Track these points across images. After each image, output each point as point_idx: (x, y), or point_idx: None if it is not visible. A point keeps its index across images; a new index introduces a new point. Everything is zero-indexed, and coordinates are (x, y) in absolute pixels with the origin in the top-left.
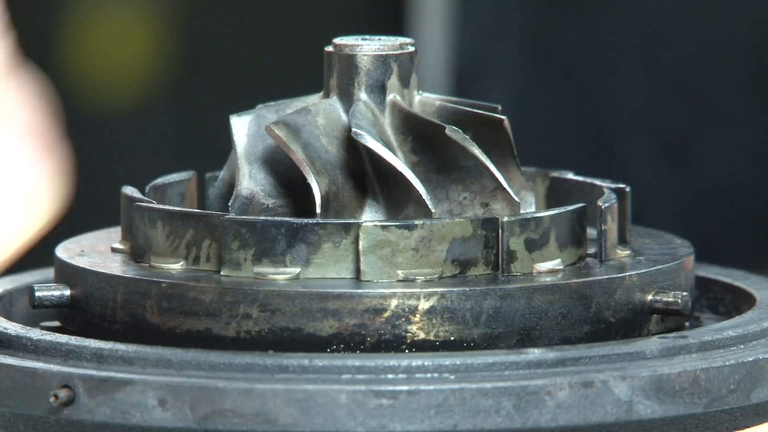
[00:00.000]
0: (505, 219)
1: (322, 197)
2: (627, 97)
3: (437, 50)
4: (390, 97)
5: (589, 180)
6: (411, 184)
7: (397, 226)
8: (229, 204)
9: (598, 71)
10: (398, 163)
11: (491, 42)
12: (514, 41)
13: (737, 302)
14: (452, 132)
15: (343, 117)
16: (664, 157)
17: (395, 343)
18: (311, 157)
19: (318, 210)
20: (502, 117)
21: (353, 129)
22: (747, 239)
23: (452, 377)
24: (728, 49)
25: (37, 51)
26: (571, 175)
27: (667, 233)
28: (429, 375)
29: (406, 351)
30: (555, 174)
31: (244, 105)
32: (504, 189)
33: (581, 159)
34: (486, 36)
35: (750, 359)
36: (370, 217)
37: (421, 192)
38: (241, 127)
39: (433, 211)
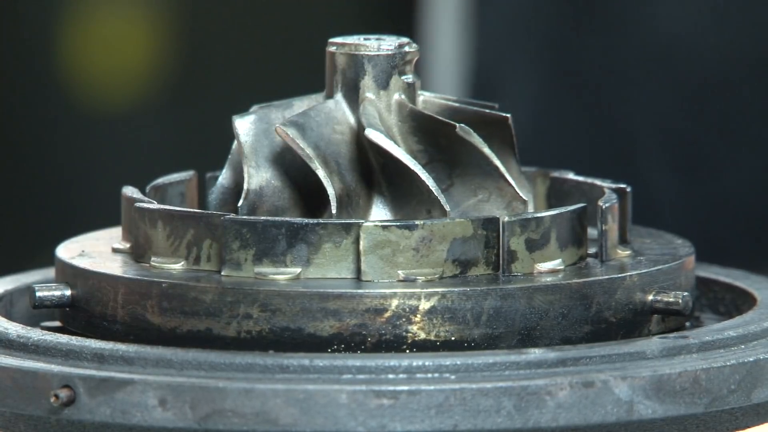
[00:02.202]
0: (506, 219)
1: (336, 197)
2: (644, 109)
3: (450, 58)
4: (396, 96)
5: (589, 180)
6: (425, 183)
7: (397, 226)
8: (239, 204)
9: (616, 84)
10: (413, 162)
11: (507, 53)
12: (530, 52)
13: (738, 302)
14: (463, 131)
15: (349, 116)
16: (680, 168)
17: (396, 343)
18: (322, 157)
19: (334, 210)
20: (507, 115)
21: (366, 128)
22: (760, 251)
23: (453, 377)
24: (743, 62)
25: (37, 51)
26: (571, 175)
27: (668, 233)
28: (429, 375)
29: (407, 351)
30: (555, 174)
31: (244, 105)
32: (512, 188)
33: (596, 167)
34: (502, 47)
35: (750, 359)
36: (377, 214)
37: (434, 191)
38: (245, 127)
39: (447, 209)
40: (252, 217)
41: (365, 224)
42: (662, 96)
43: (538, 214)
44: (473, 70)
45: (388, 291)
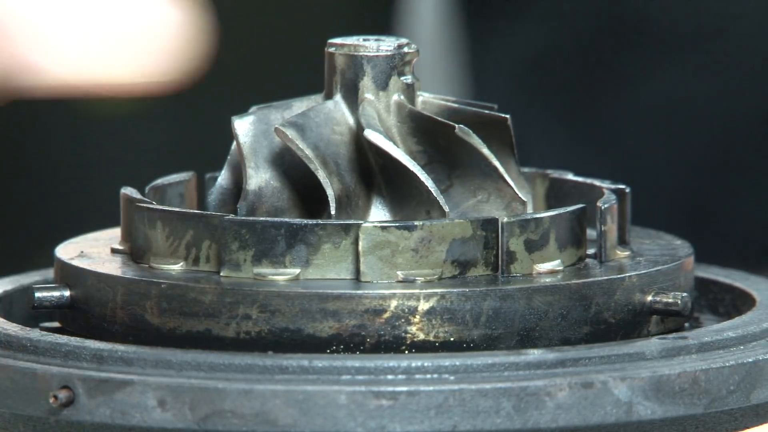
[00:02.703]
0: (505, 220)
1: (336, 198)
2: (652, 165)
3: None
4: (395, 97)
5: (588, 181)
6: (424, 184)
7: (396, 226)
8: (238, 205)
9: (627, 143)
10: (412, 163)
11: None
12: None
13: (737, 303)
14: (462, 132)
15: (348, 117)
16: (692, 225)
17: (395, 344)
18: (322, 158)
19: (333, 211)
20: (506, 116)
21: (365, 129)
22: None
23: (452, 378)
24: (758, 121)
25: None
26: (570, 176)
27: (667, 234)
28: (429, 376)
29: (406, 352)
30: (554, 174)
31: (244, 105)
32: (512, 189)
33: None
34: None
35: (750, 360)
36: (376, 215)
37: (434, 192)
38: (244, 128)
39: (446, 210)
40: (251, 218)
41: (364, 225)
42: (675, 155)
43: (537, 215)
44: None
45: (387, 292)
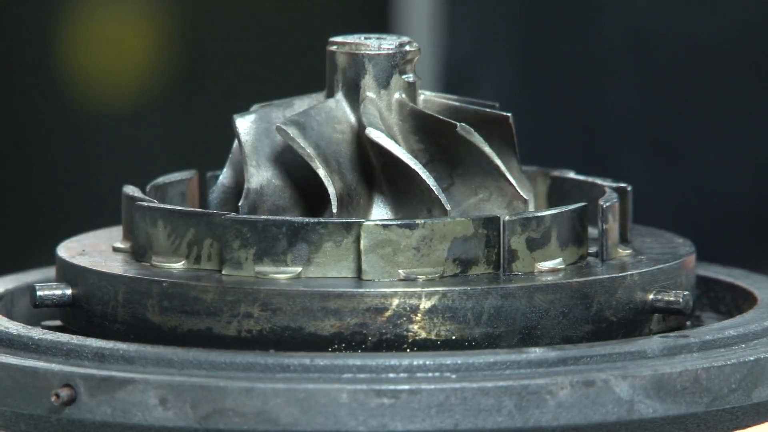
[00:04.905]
0: (507, 218)
1: (337, 196)
2: (619, 99)
3: (425, 53)
4: (396, 95)
5: (590, 179)
6: (425, 182)
7: (398, 225)
8: (239, 203)
9: (590, 74)
10: (413, 161)
11: (482, 46)
12: (504, 45)
13: (738, 301)
14: (464, 130)
15: (350, 115)
16: (658, 159)
17: (396, 342)
18: (323, 156)
19: (334, 210)
20: (507, 114)
21: (366, 127)
22: (743, 241)
23: (453, 376)
24: (719, 50)
25: (37, 51)
26: (572, 175)
27: (668, 232)
28: (430, 374)
29: (408, 350)
30: (556, 173)
31: (244, 105)
32: (513, 187)
33: (573, 161)
34: (476, 40)
35: (751, 358)
36: (377, 214)
37: (435, 190)
38: (246, 126)
39: (448, 209)
40: (252, 216)
41: (366, 223)
42: (636, 85)
43: (539, 213)
44: (447, 65)
45: (388, 290)
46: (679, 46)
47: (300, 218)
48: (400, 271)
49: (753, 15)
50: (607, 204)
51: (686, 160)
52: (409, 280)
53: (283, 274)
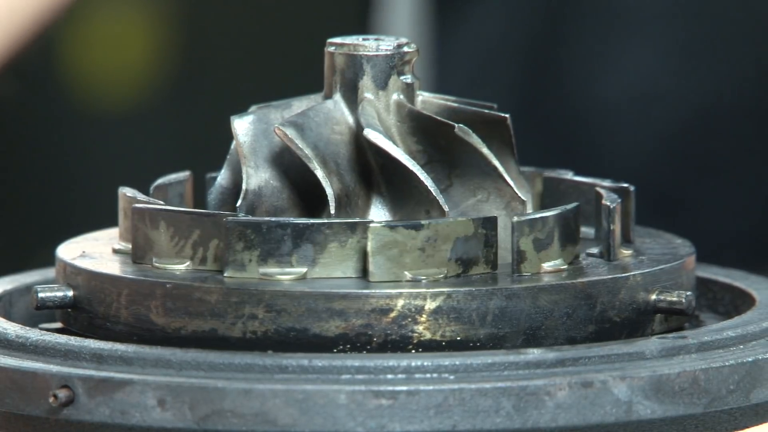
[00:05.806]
0: (515, 219)
1: (335, 197)
2: (619, 155)
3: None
4: (394, 96)
5: (588, 180)
6: (423, 183)
7: (404, 226)
8: (237, 204)
9: (590, 130)
10: (412, 162)
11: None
12: (500, 103)
13: (737, 302)
14: (462, 131)
15: (348, 117)
16: (657, 215)
17: (401, 343)
18: (321, 157)
19: (332, 210)
20: (506, 115)
21: (365, 128)
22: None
23: (452, 377)
24: (718, 107)
25: (37, 51)
26: (570, 175)
27: (667, 233)
28: (428, 375)
29: (413, 351)
30: (552, 174)
31: (244, 105)
32: (511, 188)
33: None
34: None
35: (749, 359)
36: (376, 214)
37: (433, 191)
38: (244, 127)
39: (446, 210)
40: (257, 218)
41: (373, 225)
42: (641, 143)
43: (545, 214)
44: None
45: (393, 291)
46: (678, 103)
47: (305, 219)
48: (406, 272)
49: (749, 72)
50: (614, 204)
51: (689, 214)
52: (413, 281)
53: (287, 275)
